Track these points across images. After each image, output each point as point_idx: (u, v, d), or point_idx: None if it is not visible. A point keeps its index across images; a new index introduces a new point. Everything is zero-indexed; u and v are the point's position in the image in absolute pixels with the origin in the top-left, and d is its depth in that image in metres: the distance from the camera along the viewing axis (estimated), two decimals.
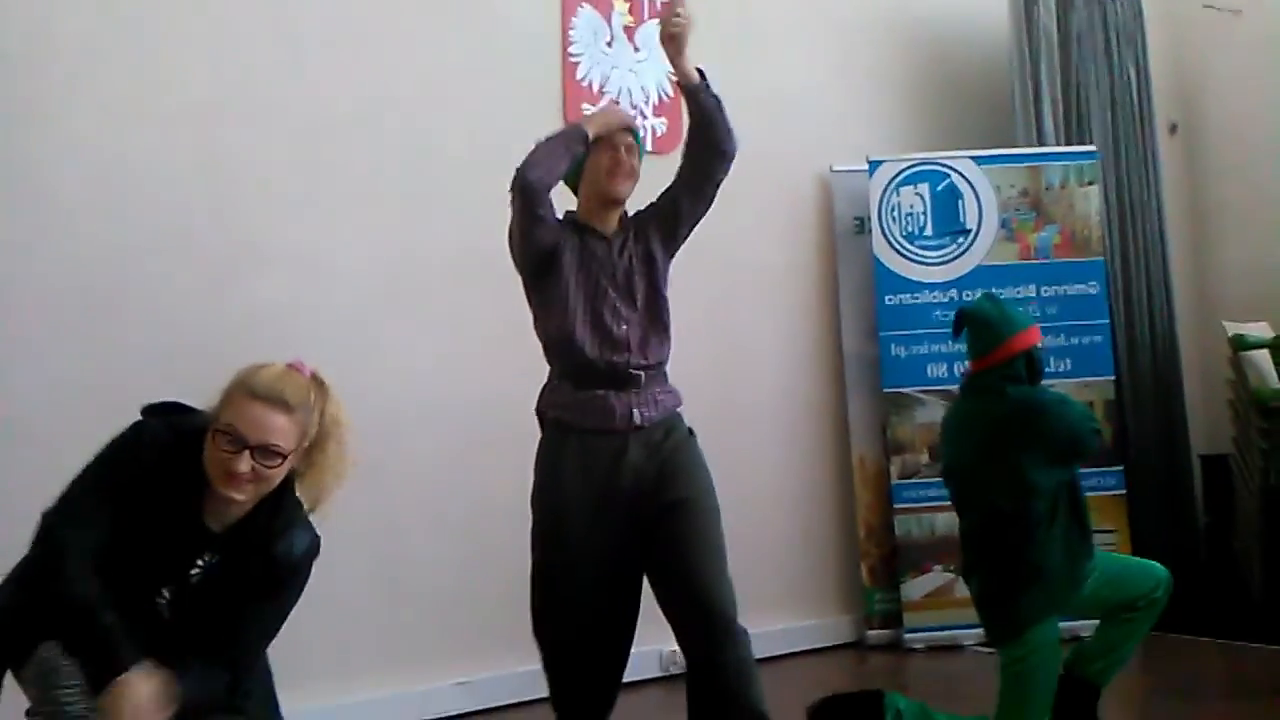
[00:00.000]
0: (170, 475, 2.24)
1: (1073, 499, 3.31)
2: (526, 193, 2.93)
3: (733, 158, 3.18)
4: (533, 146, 2.99)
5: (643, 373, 3.05)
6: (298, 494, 2.38)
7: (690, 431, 3.14)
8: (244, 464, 2.20)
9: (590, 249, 3.06)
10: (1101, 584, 3.34)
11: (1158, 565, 3.46)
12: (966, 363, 3.54)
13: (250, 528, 2.31)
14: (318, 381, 2.35)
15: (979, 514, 3.35)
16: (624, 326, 3.04)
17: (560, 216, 3.10)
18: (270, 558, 2.30)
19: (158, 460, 2.23)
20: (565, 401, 3.04)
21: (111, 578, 2.16)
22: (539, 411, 3.13)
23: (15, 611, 2.18)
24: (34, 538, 2.21)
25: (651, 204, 3.24)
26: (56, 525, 2.19)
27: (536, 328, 3.12)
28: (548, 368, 3.13)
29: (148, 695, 2.07)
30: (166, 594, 2.26)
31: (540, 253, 3.02)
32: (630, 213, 3.21)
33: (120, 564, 2.19)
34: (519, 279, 3.15)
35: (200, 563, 2.28)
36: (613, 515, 2.96)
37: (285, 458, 2.26)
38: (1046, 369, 4.86)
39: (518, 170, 2.95)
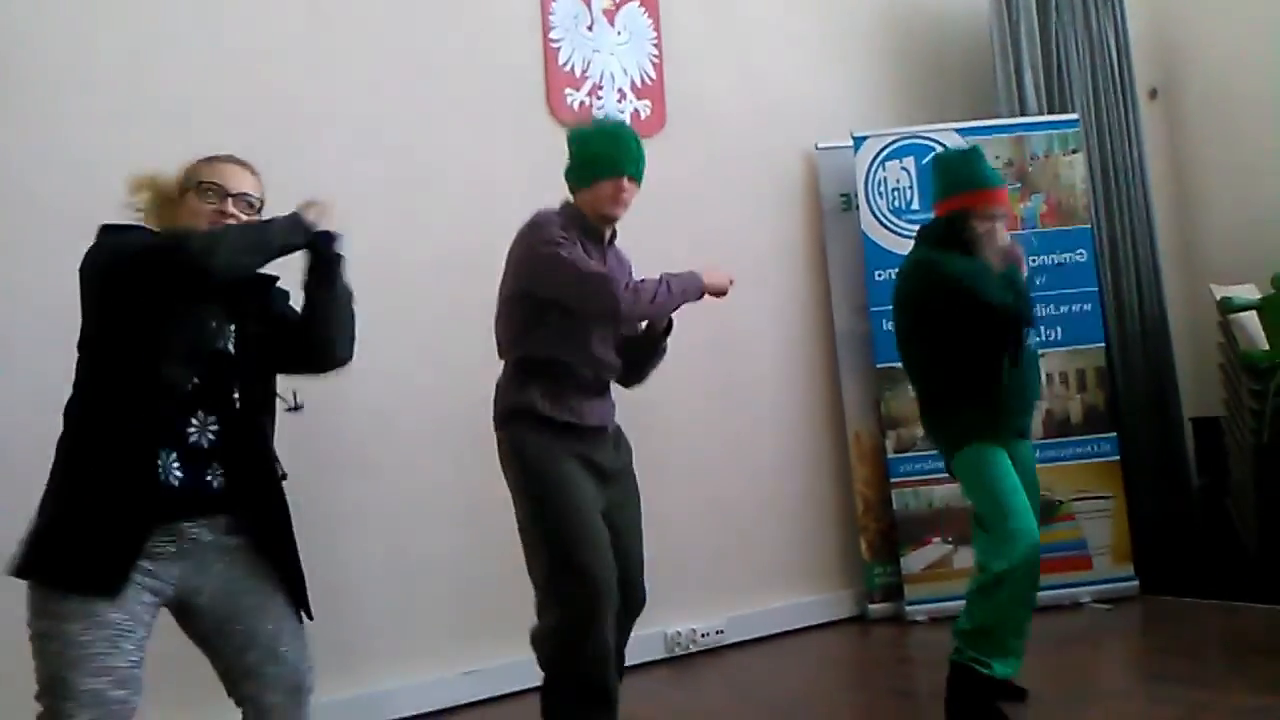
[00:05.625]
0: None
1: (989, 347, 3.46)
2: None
3: None
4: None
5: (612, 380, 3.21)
6: None
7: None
8: (230, 207, 2.39)
9: (592, 256, 3.08)
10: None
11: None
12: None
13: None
14: None
15: (904, 358, 3.65)
16: (610, 346, 3.15)
17: (563, 215, 3.08)
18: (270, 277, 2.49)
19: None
20: (551, 406, 3.04)
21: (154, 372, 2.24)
22: (520, 410, 3.08)
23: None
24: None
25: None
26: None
27: (520, 340, 3.10)
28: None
29: None
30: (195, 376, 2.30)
31: None
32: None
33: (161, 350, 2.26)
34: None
35: (215, 325, 2.36)
36: (598, 488, 3.09)
37: (258, 211, 2.46)
38: (1039, 338, 4.98)
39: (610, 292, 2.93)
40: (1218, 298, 5.48)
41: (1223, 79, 6.21)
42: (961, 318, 3.43)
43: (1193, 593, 5.05)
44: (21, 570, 2.20)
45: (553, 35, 4.59)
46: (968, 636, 3.41)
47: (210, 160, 2.44)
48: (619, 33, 4.78)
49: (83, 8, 3.58)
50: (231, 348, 2.36)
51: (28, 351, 3.32)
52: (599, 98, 4.67)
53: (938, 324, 3.48)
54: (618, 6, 4.78)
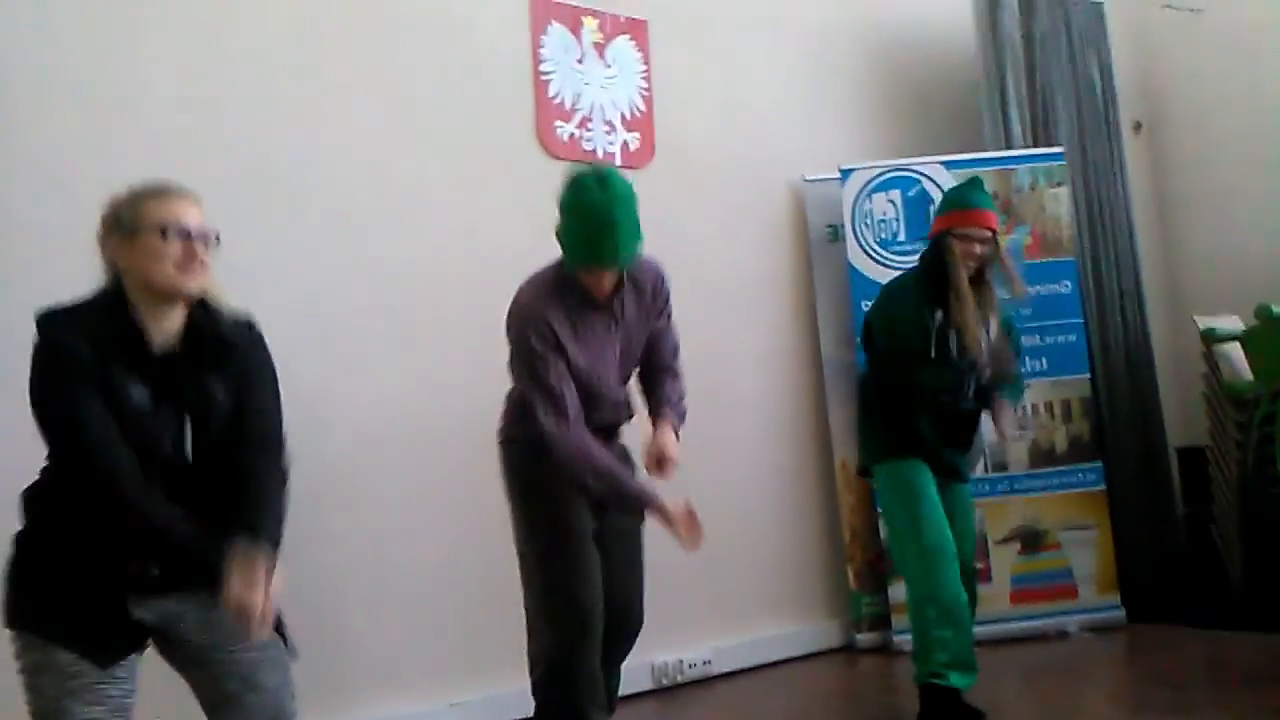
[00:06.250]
0: (107, 340, 2.18)
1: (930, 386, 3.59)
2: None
3: None
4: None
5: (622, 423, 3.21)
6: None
7: None
8: (200, 249, 2.22)
9: (589, 321, 3.02)
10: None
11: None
12: None
13: (200, 329, 2.30)
14: None
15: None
16: (619, 388, 3.14)
17: (553, 292, 3.00)
18: (234, 340, 2.34)
19: (87, 333, 2.15)
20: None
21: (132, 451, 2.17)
22: (521, 437, 3.09)
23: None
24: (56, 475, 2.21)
25: (656, 302, 3.20)
26: (89, 455, 2.13)
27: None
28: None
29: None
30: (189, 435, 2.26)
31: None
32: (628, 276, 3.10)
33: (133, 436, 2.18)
34: (500, 299, 3.17)
35: (170, 438, 2.24)
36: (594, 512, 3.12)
37: (217, 245, 2.28)
38: (1023, 369, 5.03)
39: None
40: (1201, 328, 5.53)
41: (1205, 113, 6.30)
42: (886, 356, 3.66)
43: (1178, 621, 5.07)
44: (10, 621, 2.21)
45: (543, 68, 4.64)
46: (919, 656, 3.57)
47: (158, 196, 2.26)
48: (609, 66, 4.83)
49: (63, 28, 3.61)
50: (189, 454, 2.26)
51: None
52: (588, 130, 4.72)
53: (875, 346, 3.71)
54: (608, 40, 4.84)
